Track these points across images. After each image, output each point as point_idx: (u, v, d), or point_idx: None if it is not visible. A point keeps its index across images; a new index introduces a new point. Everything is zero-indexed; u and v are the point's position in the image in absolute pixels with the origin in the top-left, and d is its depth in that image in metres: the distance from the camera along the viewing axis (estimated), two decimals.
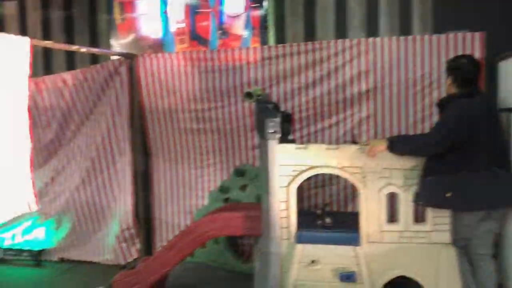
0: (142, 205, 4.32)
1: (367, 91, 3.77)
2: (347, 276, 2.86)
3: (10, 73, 2.93)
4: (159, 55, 4.20)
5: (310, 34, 4.43)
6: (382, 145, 2.87)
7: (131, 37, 4.49)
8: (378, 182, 2.90)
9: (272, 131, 2.87)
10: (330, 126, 3.90)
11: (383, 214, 2.90)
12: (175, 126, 4.27)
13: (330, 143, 3.78)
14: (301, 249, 2.92)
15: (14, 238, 4.54)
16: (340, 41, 3.82)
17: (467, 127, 2.73)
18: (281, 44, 4.00)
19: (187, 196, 4.34)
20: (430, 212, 2.88)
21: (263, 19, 4.35)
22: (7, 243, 4.53)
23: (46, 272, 4.21)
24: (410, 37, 3.69)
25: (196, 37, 4.35)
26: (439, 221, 2.87)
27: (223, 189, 4.06)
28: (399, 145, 2.87)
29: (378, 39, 3.75)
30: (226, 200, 4.04)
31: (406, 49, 3.65)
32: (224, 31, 4.31)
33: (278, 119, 2.89)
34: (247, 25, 4.25)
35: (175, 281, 3.61)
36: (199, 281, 3.74)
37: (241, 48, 4.05)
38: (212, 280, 3.76)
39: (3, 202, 2.83)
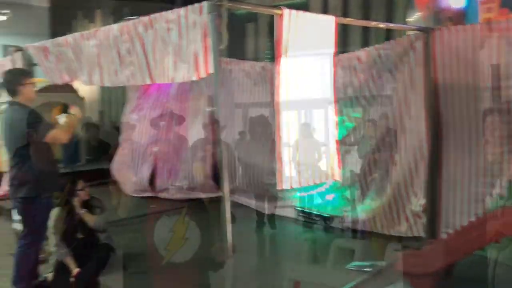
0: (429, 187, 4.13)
1: None
2: None
3: (318, 51, 3.16)
4: (459, 27, 3.88)
5: None
6: None
7: (428, 10, 4.26)
8: None
9: None
10: None
11: None
12: (472, 106, 3.89)
13: None
14: None
15: (308, 201, 5.01)
16: None
17: None
18: None
19: (479, 183, 3.93)
20: None
21: None
22: (301, 205, 5.04)
23: (332, 237, 4.52)
24: None
25: (508, 4, 3.79)
26: None
27: None
28: None
29: None
30: None
31: None
32: None
33: None
34: None
35: (463, 273, 3.32)
36: (491, 280, 3.34)
37: None
38: (507, 282, 3.30)
39: (312, 169, 3.12)
